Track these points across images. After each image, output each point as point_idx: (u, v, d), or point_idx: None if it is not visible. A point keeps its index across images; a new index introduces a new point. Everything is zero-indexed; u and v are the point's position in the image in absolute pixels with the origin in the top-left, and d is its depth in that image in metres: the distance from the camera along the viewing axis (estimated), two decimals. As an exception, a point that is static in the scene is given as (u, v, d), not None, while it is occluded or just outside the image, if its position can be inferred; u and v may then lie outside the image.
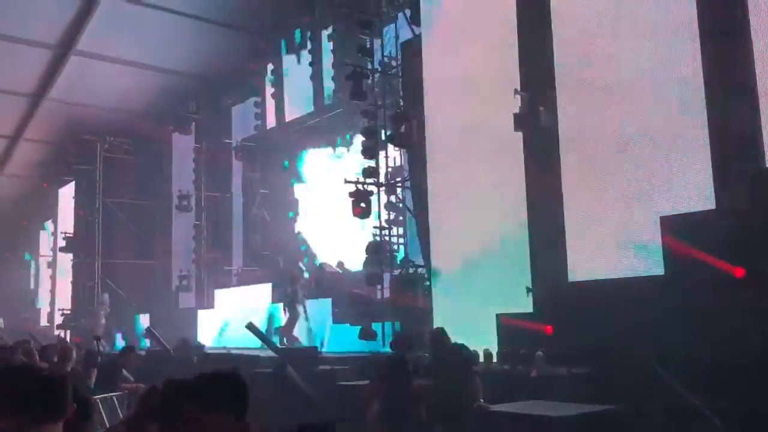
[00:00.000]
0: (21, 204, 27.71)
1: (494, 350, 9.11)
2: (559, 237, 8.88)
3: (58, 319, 23.04)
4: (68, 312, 22.25)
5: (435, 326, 9.50)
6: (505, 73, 9.80)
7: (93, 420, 4.33)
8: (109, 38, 17.05)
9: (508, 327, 9.17)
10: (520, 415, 6.68)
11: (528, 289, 9.21)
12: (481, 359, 8.75)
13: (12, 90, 19.79)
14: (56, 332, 22.16)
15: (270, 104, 18.52)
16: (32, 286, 29.77)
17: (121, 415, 7.82)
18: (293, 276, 14.27)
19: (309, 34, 16.52)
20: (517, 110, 9.41)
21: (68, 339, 18.54)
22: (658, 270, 7.58)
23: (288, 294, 14.11)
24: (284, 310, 14.21)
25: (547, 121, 9.14)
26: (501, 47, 10.04)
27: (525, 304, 9.26)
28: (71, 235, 22.69)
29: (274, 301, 15.30)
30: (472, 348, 7.88)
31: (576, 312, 8.20)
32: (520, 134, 9.49)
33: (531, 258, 9.30)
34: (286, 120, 18.09)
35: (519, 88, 9.48)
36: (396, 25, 13.74)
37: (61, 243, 23.06)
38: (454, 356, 7.49)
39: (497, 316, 9.40)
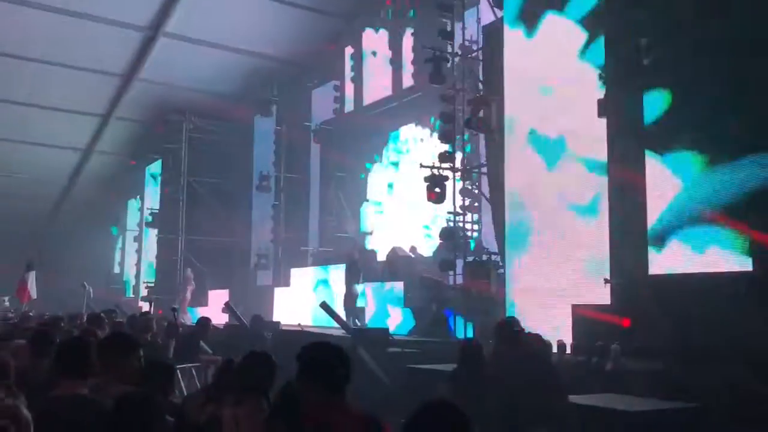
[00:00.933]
0: (110, 180, 28.95)
1: (568, 342, 8.94)
2: (640, 227, 8.60)
3: (143, 292, 24.02)
4: (152, 285, 23.15)
5: (507, 315, 9.41)
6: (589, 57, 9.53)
7: (173, 385, 4.50)
8: (196, 21, 17.53)
9: (583, 318, 8.96)
10: (593, 408, 6.53)
11: (606, 281, 8.98)
12: (554, 350, 8.61)
13: (104, 70, 20.68)
14: (140, 304, 23.10)
15: (349, 87, 18.65)
16: (119, 259, 31.11)
17: (199, 386, 8.07)
18: (352, 257, 14.51)
19: (390, 15, 16.50)
20: (601, 96, 9.16)
21: (151, 311, 19.26)
22: (746, 266, 7.24)
23: (348, 274, 14.32)
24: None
25: (631, 107, 8.83)
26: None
27: (602, 296, 9.04)
28: (156, 211, 23.62)
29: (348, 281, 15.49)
30: (545, 339, 7.76)
31: (655, 306, 7.95)
32: (603, 121, 9.21)
33: (611, 248, 9.04)
34: (365, 104, 18.18)
35: (603, 74, 9.21)
36: (478, 7, 13.54)
37: (147, 219, 24.03)
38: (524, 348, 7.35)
39: (573, 306, 9.22)
